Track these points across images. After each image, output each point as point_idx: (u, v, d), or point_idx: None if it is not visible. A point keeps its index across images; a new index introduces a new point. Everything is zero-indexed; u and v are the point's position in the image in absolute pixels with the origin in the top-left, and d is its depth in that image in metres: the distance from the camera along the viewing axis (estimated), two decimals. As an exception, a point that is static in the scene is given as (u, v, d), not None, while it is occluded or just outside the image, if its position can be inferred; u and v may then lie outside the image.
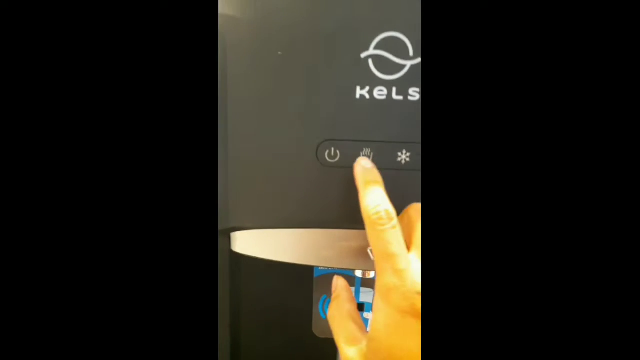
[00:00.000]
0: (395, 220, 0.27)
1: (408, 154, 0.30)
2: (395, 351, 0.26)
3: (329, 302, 0.47)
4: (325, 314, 0.47)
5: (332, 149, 0.30)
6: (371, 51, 0.29)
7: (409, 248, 0.27)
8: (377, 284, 0.27)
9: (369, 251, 0.33)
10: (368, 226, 0.27)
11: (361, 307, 0.46)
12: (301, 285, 0.46)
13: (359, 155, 0.30)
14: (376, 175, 0.29)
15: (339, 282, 0.34)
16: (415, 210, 0.29)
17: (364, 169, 0.29)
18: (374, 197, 0.28)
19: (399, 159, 0.30)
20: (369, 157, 0.30)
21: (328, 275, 0.46)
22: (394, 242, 0.26)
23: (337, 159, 0.30)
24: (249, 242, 0.35)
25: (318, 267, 0.45)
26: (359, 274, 0.42)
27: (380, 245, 0.27)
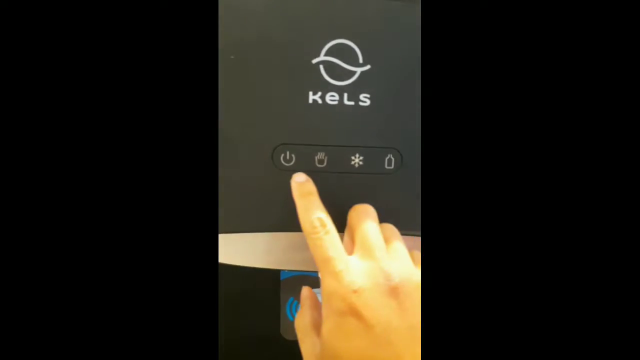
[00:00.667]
0: (329, 226, 0.28)
1: (361, 158, 0.31)
2: (340, 353, 0.26)
3: (296, 305, 0.48)
4: (292, 316, 0.48)
5: (287, 153, 0.31)
6: (322, 57, 0.29)
7: (351, 251, 0.28)
8: (322, 291, 0.28)
9: None
10: (306, 236, 0.29)
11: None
12: (268, 288, 0.47)
13: (313, 159, 0.31)
14: (309, 187, 0.30)
15: (303, 292, 0.35)
16: (355, 212, 0.30)
17: (297, 183, 0.31)
18: (307, 209, 0.29)
19: (352, 162, 0.31)
20: (323, 160, 0.31)
21: (295, 278, 0.46)
22: (330, 247, 0.27)
23: (292, 163, 0.31)
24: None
25: (284, 270, 0.45)
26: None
27: (317, 251, 0.28)
